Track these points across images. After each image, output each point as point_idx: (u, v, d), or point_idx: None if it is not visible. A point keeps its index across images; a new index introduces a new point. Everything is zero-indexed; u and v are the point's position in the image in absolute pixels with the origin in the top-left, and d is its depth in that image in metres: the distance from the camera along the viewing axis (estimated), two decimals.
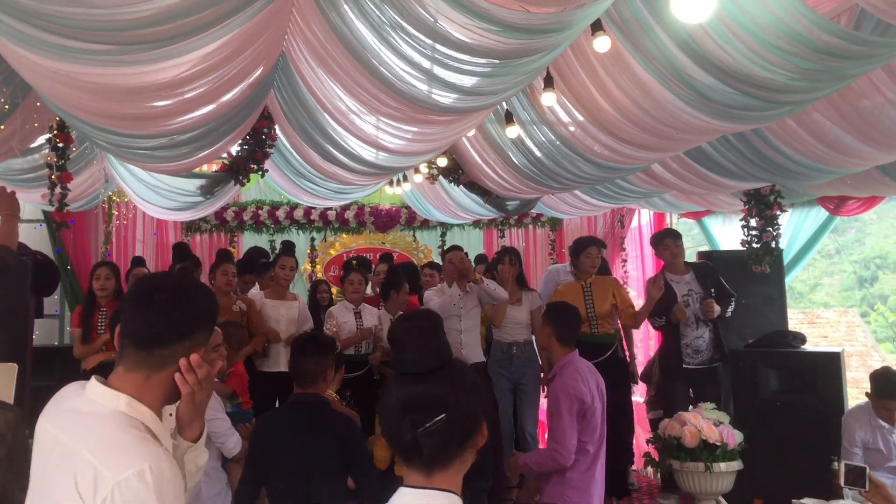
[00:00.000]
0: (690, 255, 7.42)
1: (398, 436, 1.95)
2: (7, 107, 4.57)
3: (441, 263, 8.83)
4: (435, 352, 2.05)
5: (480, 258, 9.54)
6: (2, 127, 4.75)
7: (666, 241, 6.91)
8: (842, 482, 4.69)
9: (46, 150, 5.85)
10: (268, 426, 4.02)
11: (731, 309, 6.73)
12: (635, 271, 10.60)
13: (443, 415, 1.92)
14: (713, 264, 6.87)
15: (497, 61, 4.02)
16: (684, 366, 6.67)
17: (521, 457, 4.70)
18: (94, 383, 1.91)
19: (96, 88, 3.97)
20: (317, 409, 3.90)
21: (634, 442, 7.37)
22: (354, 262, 8.01)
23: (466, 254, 7.15)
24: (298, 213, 11.00)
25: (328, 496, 3.72)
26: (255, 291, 7.06)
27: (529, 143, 6.21)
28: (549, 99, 4.98)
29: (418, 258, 11.14)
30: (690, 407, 5.50)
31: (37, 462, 1.89)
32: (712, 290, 6.70)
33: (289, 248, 7.61)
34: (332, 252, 11.17)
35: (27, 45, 3.35)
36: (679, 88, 4.26)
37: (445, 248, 11.37)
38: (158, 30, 3.29)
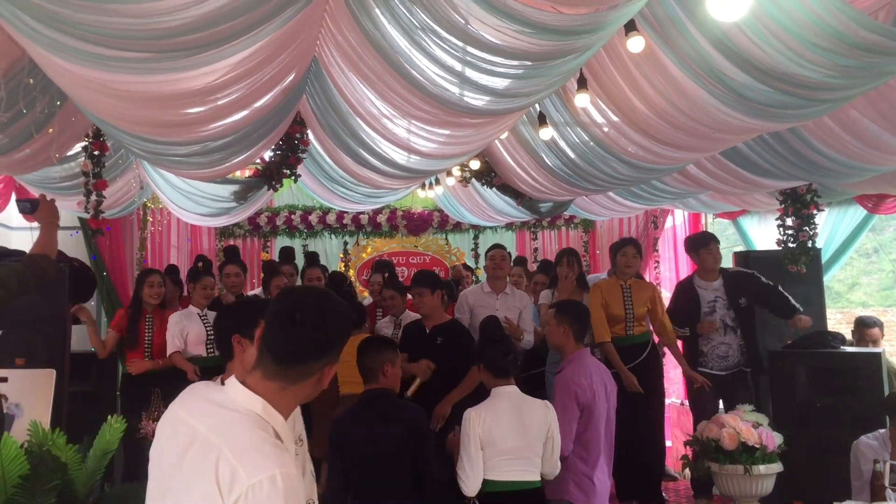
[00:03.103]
0: (726, 255, 7.32)
1: (500, 364, 4.33)
2: (45, 112, 4.63)
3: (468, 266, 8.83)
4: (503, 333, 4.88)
5: (519, 260, 9.53)
6: (49, 131, 4.81)
7: (711, 244, 6.82)
8: (886, 483, 4.61)
9: (82, 158, 5.92)
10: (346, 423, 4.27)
11: (789, 297, 6.56)
12: (668, 272, 10.52)
13: (513, 355, 4.38)
14: (751, 271, 6.74)
15: (529, 63, 4.00)
16: (707, 370, 6.64)
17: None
18: (234, 382, 2.03)
19: (131, 96, 4.01)
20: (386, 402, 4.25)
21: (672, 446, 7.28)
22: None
23: (509, 253, 7.14)
24: (331, 218, 11.04)
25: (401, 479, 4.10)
26: None
27: (563, 144, 6.18)
28: (582, 100, 4.94)
29: (451, 261, 11.14)
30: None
31: (168, 446, 2.01)
32: (742, 299, 6.62)
33: (287, 256, 7.75)
34: (365, 256, 11.18)
35: (62, 54, 3.38)
36: (714, 87, 4.21)
37: (479, 250, 11.41)
38: (192, 38, 3.30)
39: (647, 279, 8.78)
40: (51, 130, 4.88)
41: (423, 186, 9.24)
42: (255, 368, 2.03)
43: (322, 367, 2.04)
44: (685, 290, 6.95)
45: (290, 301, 2.05)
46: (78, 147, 5.92)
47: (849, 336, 6.95)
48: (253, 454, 1.87)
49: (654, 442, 6.60)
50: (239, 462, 1.85)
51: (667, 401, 7.54)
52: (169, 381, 5.91)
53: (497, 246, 7.10)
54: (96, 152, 5.80)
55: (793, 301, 6.51)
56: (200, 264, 7.56)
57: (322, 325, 2.00)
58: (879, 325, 6.77)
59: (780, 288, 6.57)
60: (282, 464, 1.87)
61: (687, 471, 6.07)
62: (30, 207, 4.24)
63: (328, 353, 2.03)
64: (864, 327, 6.75)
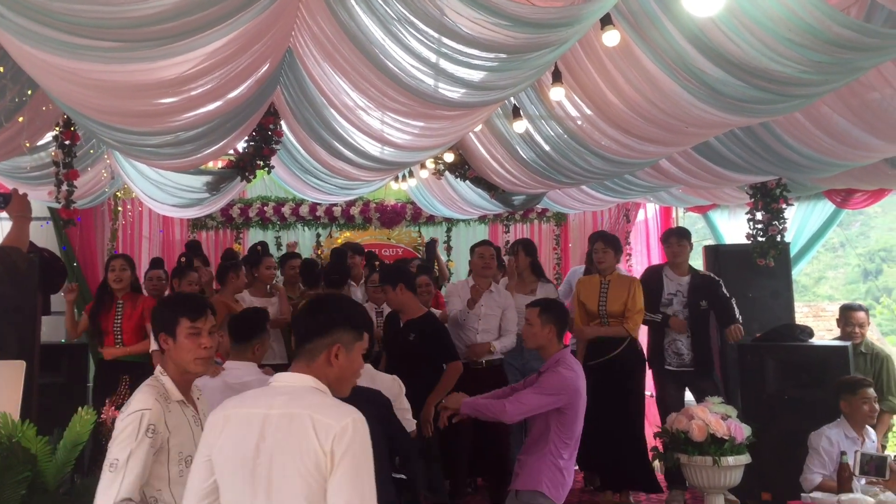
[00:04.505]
0: (696, 249, 7.41)
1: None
2: (16, 100, 4.57)
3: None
4: None
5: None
6: (20, 119, 4.76)
7: (670, 239, 7.05)
8: (856, 472, 4.69)
9: (53, 148, 5.86)
10: None
11: (735, 310, 6.72)
12: (640, 266, 10.56)
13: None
14: (718, 279, 6.87)
15: (505, 56, 4.00)
16: (667, 367, 6.84)
17: (471, 399, 4.76)
18: (280, 374, 2.63)
19: (102, 85, 3.96)
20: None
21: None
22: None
23: (498, 250, 7.19)
24: (304, 210, 10.99)
25: None
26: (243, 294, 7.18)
27: (537, 137, 6.19)
28: (557, 93, 4.95)
29: (423, 254, 11.14)
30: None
31: (242, 438, 2.47)
32: (703, 301, 6.78)
33: (266, 249, 7.93)
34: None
35: (33, 42, 3.34)
36: (688, 82, 4.23)
37: (452, 243, 11.41)
38: (165, 27, 3.27)
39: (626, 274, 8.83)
40: (21, 119, 4.83)
41: (396, 179, 9.22)
42: (294, 362, 2.64)
43: (327, 346, 2.58)
44: (652, 275, 7.16)
45: (309, 301, 2.80)
46: (49, 136, 5.85)
47: (818, 329, 7.04)
48: (332, 408, 2.45)
49: (634, 435, 6.69)
50: (325, 416, 2.40)
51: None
52: (139, 371, 5.88)
53: (486, 242, 7.13)
54: (67, 142, 5.74)
55: (736, 313, 6.71)
56: (183, 259, 7.59)
57: (319, 310, 2.69)
58: (865, 309, 6.86)
59: (733, 302, 6.75)
60: (354, 410, 2.44)
61: (657, 462, 6.14)
62: (2, 202, 4.21)
63: (329, 332, 2.59)
64: (850, 311, 6.80)
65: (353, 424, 2.38)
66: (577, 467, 5.21)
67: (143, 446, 2.89)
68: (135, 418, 2.94)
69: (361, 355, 2.72)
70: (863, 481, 4.81)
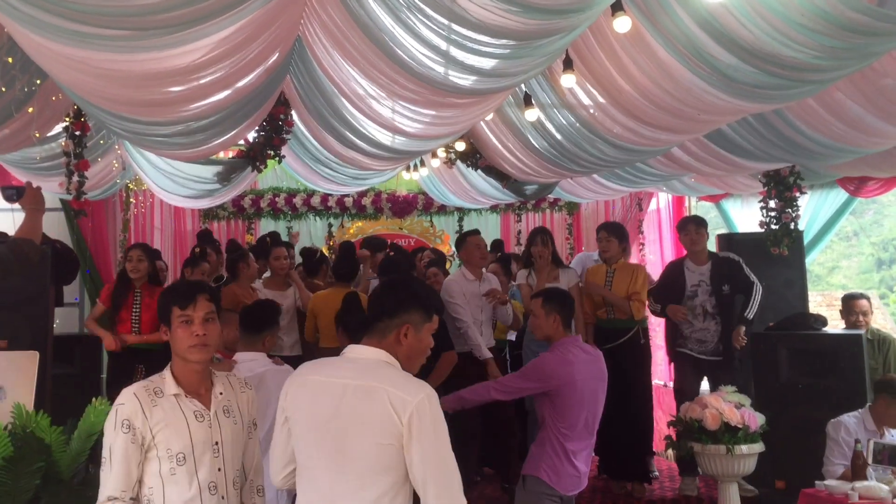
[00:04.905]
0: (709, 238, 7.35)
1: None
2: (25, 91, 4.58)
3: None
4: None
5: (496, 244, 9.52)
6: (29, 110, 4.76)
7: (688, 226, 6.95)
8: (870, 460, 4.66)
9: (63, 139, 5.86)
10: None
11: (754, 303, 6.61)
12: (653, 255, 10.53)
13: None
14: (738, 258, 6.77)
15: (514, 42, 3.98)
16: (682, 349, 6.79)
17: (452, 395, 4.70)
18: (354, 347, 2.74)
19: (111, 74, 3.96)
20: None
21: (655, 427, 7.32)
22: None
23: (502, 242, 7.17)
24: (315, 200, 11.01)
25: None
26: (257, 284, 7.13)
27: (549, 125, 6.16)
28: (568, 81, 4.92)
29: (435, 244, 11.12)
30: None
31: (315, 404, 2.63)
32: (725, 286, 6.67)
33: (277, 239, 7.84)
34: (349, 238, 11.14)
35: (42, 32, 3.34)
36: (700, 68, 4.20)
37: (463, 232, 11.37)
38: (173, 15, 3.26)
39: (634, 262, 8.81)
40: (31, 110, 4.84)
41: (407, 168, 9.21)
42: (365, 337, 2.74)
43: (398, 326, 2.69)
44: (673, 269, 7.07)
45: (382, 283, 2.97)
46: (59, 127, 5.86)
47: (831, 318, 6.99)
48: (407, 383, 2.56)
49: (637, 423, 6.70)
50: (401, 390, 2.51)
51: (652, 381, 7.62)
52: (155, 359, 5.87)
53: (477, 232, 7.17)
54: (77, 132, 5.75)
55: (752, 309, 6.58)
56: (197, 250, 7.58)
57: (390, 292, 2.81)
58: (867, 297, 6.81)
59: (755, 290, 6.62)
60: (426, 385, 2.56)
61: (670, 451, 6.13)
62: (15, 195, 4.24)
63: (398, 313, 2.70)
64: (851, 300, 6.74)
65: (427, 399, 2.50)
66: None
67: (119, 441, 2.83)
68: (112, 413, 2.88)
69: (431, 335, 2.82)
70: (881, 470, 4.78)
